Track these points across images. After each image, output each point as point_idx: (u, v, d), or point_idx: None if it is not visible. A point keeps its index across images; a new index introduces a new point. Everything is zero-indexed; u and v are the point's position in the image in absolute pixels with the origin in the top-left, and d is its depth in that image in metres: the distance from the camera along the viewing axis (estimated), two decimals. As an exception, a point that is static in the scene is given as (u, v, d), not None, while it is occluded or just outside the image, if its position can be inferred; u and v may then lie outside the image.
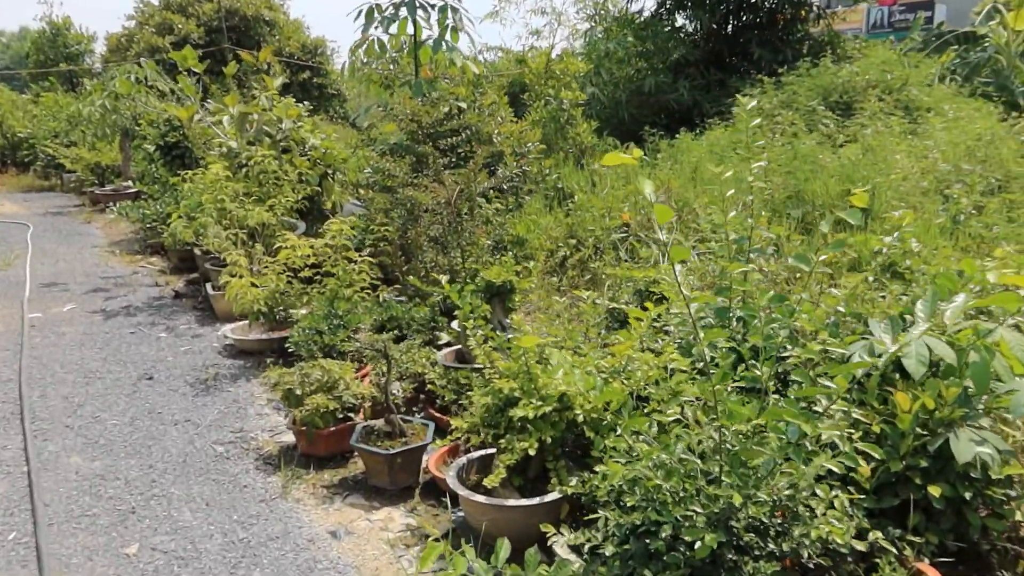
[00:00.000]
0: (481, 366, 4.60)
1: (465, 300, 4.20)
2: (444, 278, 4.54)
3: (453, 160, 7.45)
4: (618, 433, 2.95)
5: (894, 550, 2.53)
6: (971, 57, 14.60)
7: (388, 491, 3.75)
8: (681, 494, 2.33)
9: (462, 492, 3.17)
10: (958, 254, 5.55)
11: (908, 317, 3.48)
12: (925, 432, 2.89)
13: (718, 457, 2.31)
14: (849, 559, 2.60)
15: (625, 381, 3.23)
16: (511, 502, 3.09)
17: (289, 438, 4.35)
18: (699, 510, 2.26)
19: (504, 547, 2.44)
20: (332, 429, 4.03)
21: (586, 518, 2.79)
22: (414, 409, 4.62)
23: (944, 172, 8.77)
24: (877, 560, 2.55)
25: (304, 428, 4.00)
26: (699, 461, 2.37)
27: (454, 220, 5.89)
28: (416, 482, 3.82)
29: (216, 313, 6.82)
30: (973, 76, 14.36)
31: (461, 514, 3.48)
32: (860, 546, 2.42)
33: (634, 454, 2.70)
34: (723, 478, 2.28)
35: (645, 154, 11.96)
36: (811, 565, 2.56)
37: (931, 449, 2.84)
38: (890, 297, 4.13)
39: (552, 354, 3.32)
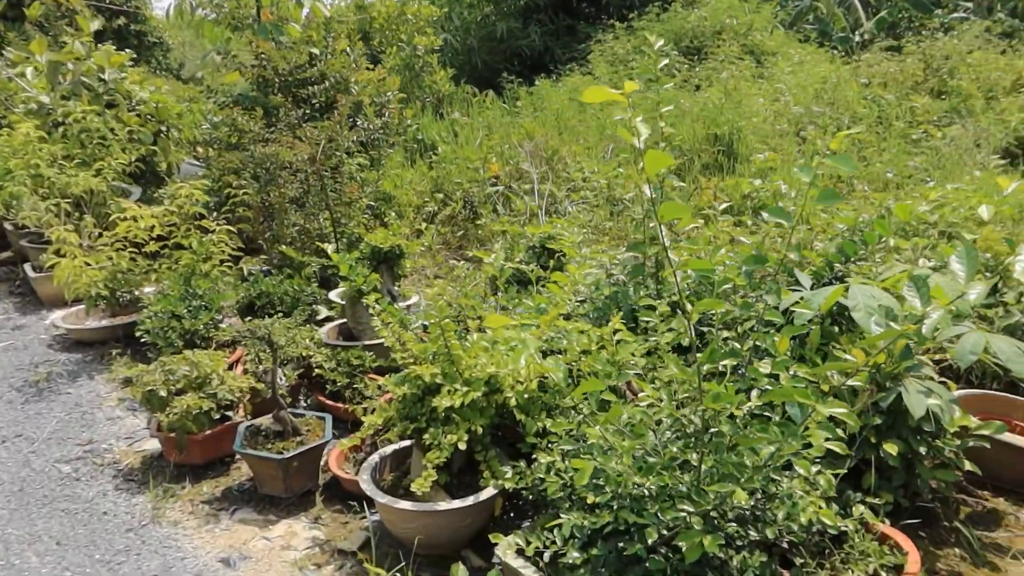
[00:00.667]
0: (373, 343, 4.13)
1: (356, 271, 3.68)
2: (329, 247, 3.98)
3: (308, 112, 6.72)
4: (563, 415, 2.62)
5: (870, 519, 2.38)
6: (796, 4, 15.32)
7: (283, 500, 3.23)
8: (667, 491, 2.03)
9: (382, 499, 2.72)
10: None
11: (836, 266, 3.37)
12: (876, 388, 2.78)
13: (705, 446, 2.02)
14: (816, 531, 2.43)
15: (558, 357, 2.89)
16: (443, 506, 2.69)
17: (153, 445, 3.68)
18: (690, 509, 1.97)
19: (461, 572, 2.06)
20: (208, 433, 3.42)
21: (544, 521, 2.45)
22: (300, 397, 4.08)
23: (797, 115, 9.04)
24: (844, 529, 2.40)
25: (173, 434, 3.37)
26: (685, 453, 2.07)
27: (318, 179, 5.26)
28: (316, 485, 3.32)
29: (40, 299, 5.81)
30: (798, 22, 15.05)
31: (376, 519, 3.05)
32: (848, 524, 2.24)
33: (589, 443, 2.37)
34: (717, 469, 2.00)
35: (504, 102, 11.59)
36: (784, 544, 2.37)
37: (883, 405, 2.72)
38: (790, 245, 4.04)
39: (522, 340, 2.89)
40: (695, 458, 2.02)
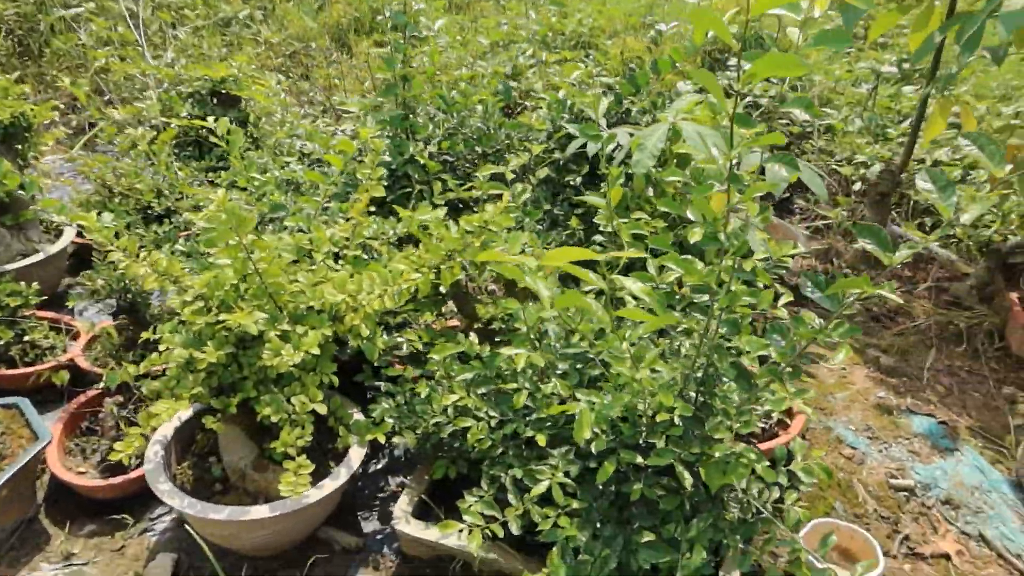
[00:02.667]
0: (21, 265, 2.75)
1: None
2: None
3: None
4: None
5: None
6: None
7: (-13, 544, 2.06)
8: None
9: (208, 513, 1.84)
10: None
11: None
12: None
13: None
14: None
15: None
16: (308, 498, 1.91)
17: None
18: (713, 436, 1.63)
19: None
20: None
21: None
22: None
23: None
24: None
25: None
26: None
27: None
28: (36, 508, 2.18)
29: None
30: None
31: (169, 522, 2.12)
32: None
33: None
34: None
35: None
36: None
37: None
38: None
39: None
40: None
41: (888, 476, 2.45)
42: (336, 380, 1.98)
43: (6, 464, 2.02)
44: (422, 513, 2.06)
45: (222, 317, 1.85)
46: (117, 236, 2.07)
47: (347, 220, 2.29)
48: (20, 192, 2.82)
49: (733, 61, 4.80)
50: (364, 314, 2.01)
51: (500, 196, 2.42)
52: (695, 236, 1.57)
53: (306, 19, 6.21)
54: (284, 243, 2.11)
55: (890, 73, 4.69)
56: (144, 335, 1.99)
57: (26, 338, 2.54)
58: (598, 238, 2.76)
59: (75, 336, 2.69)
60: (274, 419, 1.85)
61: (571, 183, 2.97)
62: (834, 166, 4.27)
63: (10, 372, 2.48)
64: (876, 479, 2.44)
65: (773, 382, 1.69)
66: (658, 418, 1.63)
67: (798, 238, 3.81)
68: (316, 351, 1.85)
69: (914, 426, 2.66)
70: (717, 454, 1.63)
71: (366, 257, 2.24)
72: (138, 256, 2.00)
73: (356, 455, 2.04)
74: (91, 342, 2.62)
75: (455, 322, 2.86)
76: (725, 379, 1.77)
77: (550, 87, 5.27)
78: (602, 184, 3.01)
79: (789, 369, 1.68)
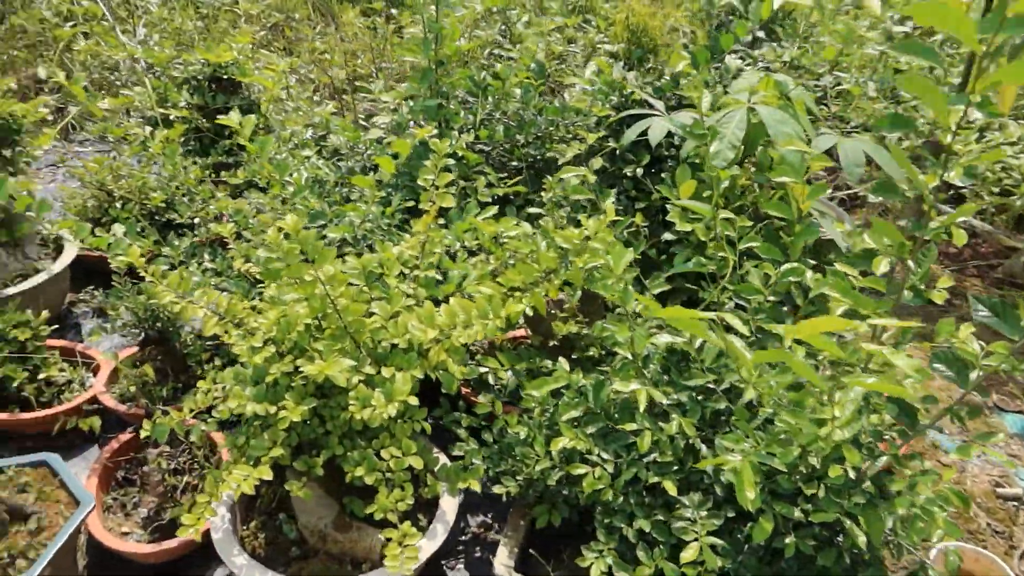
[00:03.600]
0: (12, 292, 2.42)
1: None
2: None
3: None
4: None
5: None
6: None
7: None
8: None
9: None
10: None
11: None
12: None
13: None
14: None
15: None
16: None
17: None
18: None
19: None
20: None
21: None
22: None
23: None
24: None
25: None
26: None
27: None
28: None
29: None
30: None
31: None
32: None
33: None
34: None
35: None
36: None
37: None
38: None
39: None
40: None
41: (993, 485, 2.31)
42: (428, 427, 1.74)
43: (45, 538, 1.75)
44: (522, 565, 1.85)
45: (301, 366, 1.59)
46: (149, 261, 1.78)
47: (411, 234, 2.02)
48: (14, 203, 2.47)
49: (762, 33, 4.56)
50: (452, 347, 1.77)
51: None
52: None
53: (285, -14, 5.78)
54: (351, 268, 1.84)
55: (900, 33, 4.51)
56: (202, 384, 1.71)
57: (41, 375, 2.23)
58: (667, 236, 2.54)
59: (94, 369, 2.39)
60: (368, 481, 1.60)
61: (628, 174, 2.73)
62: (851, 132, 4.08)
63: (28, 416, 2.17)
64: (982, 488, 2.29)
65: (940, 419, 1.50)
66: (831, 472, 1.43)
67: (844, 219, 3.64)
68: (414, 401, 1.61)
69: (1008, 424, 2.52)
70: (901, 510, 1.44)
71: (439, 278, 1.98)
72: (169, 279, 1.71)
73: (450, 507, 1.82)
74: (113, 375, 2.33)
75: (520, 333, 2.63)
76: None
77: (552, 56, 4.97)
78: (663, 175, 2.78)
79: (965, 408, 1.49)
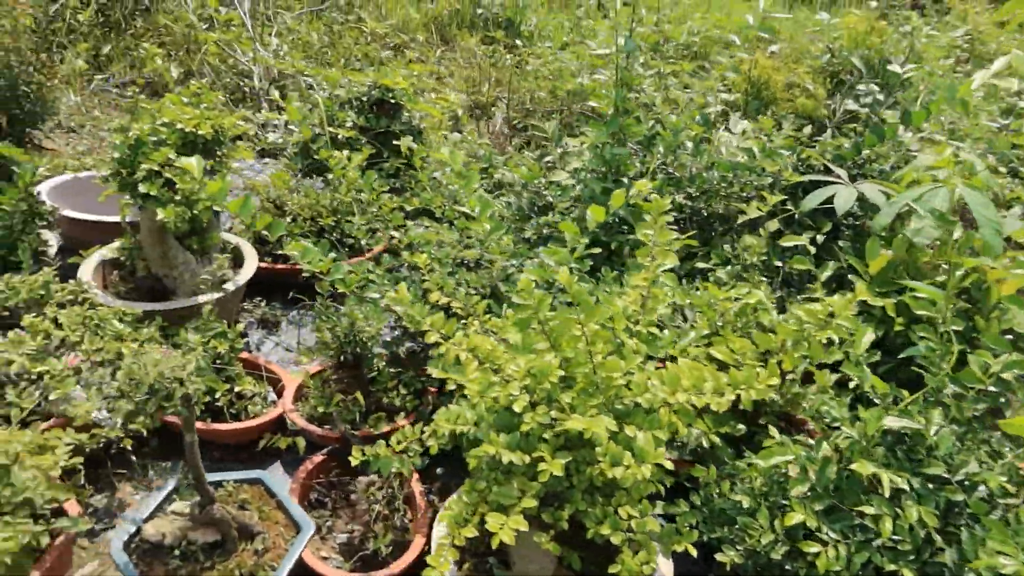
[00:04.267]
0: (191, 303, 2.46)
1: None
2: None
3: None
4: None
5: None
6: None
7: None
8: None
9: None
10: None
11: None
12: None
13: None
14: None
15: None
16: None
17: None
18: None
19: None
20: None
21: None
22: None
23: None
24: None
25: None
26: None
27: None
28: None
29: None
30: None
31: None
32: None
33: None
34: None
35: None
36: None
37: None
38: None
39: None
40: None
41: None
42: (662, 489, 1.74)
43: (270, 559, 1.77)
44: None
45: (558, 419, 1.59)
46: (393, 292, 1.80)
47: (632, 287, 2.03)
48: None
49: (862, 86, 4.54)
50: (683, 410, 1.77)
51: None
52: None
53: (409, 9, 5.88)
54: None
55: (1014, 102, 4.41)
56: (440, 424, 1.72)
57: (237, 388, 2.27)
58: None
59: (278, 387, 2.42)
60: (615, 541, 1.60)
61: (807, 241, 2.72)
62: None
63: (224, 427, 2.21)
64: None
65: None
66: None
67: None
68: (669, 465, 1.60)
69: None
70: None
71: (661, 335, 1.99)
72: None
73: (667, 570, 1.80)
74: (299, 392, 2.36)
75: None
76: None
77: (668, 101, 4.98)
78: (839, 244, 2.77)
79: None
